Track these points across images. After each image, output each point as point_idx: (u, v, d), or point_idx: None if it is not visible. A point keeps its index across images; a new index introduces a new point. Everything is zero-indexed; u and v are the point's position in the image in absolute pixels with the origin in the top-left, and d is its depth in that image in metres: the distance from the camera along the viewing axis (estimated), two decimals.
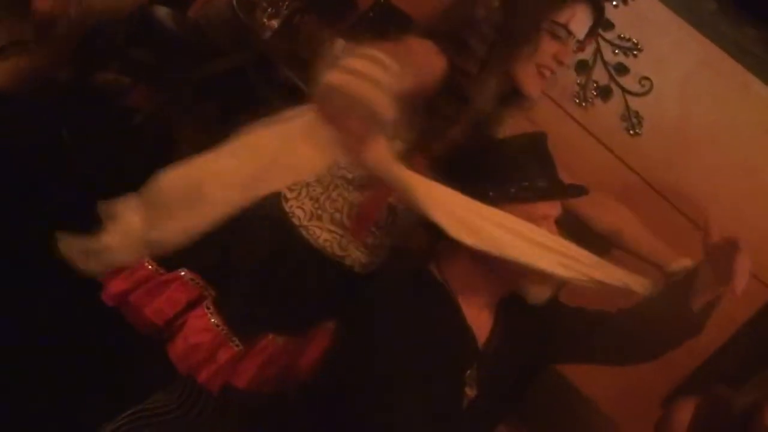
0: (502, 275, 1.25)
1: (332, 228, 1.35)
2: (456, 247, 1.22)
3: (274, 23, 2.30)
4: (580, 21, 1.36)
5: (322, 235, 1.34)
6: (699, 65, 2.02)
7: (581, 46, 1.43)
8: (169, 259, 1.34)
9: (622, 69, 2.09)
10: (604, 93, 2.11)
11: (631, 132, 2.11)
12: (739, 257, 1.17)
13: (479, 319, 1.29)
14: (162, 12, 2.30)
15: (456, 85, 1.31)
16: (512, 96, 1.41)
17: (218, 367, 1.32)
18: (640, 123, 2.09)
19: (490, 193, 1.22)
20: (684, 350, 1.65)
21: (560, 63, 1.36)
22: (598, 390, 1.96)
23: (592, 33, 1.41)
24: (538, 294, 1.25)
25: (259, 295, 1.35)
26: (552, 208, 1.27)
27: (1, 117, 2.01)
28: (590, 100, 2.11)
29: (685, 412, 1.51)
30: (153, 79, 2.27)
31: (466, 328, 1.26)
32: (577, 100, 2.11)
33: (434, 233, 1.25)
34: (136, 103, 2.26)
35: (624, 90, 2.09)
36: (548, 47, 1.34)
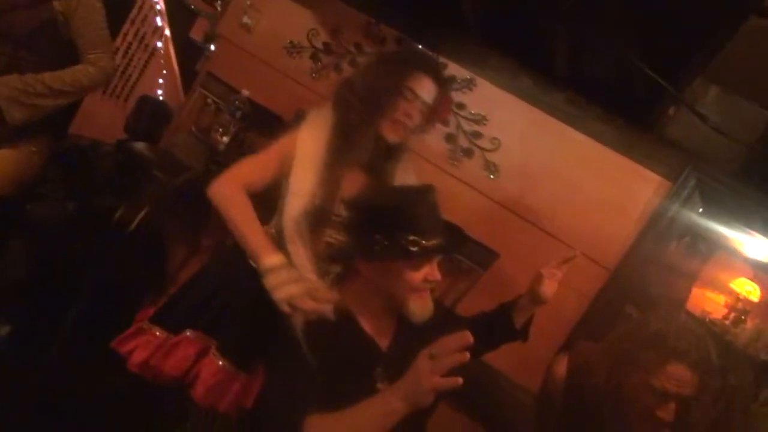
0: (386, 293, 1.37)
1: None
2: (352, 273, 1.39)
3: (225, 139, 2.80)
4: (424, 87, 1.60)
5: None
6: (529, 124, 2.54)
7: (434, 113, 1.65)
8: (175, 325, 1.59)
9: (477, 135, 2.58)
10: (468, 153, 2.61)
11: (492, 177, 2.57)
12: (545, 283, 1.52)
13: (379, 327, 1.41)
14: (140, 146, 2.88)
15: (347, 132, 1.58)
16: (388, 150, 1.64)
17: (232, 396, 1.54)
18: (497, 170, 2.57)
19: (386, 243, 1.28)
20: (557, 322, 2.13)
21: (408, 116, 1.60)
22: (501, 361, 2.27)
23: (440, 96, 1.65)
24: (417, 314, 1.35)
25: (249, 335, 1.55)
26: (434, 272, 1.33)
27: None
28: (459, 159, 2.60)
29: (561, 365, 1.80)
30: (140, 196, 2.75)
31: (366, 336, 1.38)
32: (450, 161, 2.60)
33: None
34: (129, 217, 2.71)
35: (481, 149, 2.59)
36: (400, 105, 1.60)
